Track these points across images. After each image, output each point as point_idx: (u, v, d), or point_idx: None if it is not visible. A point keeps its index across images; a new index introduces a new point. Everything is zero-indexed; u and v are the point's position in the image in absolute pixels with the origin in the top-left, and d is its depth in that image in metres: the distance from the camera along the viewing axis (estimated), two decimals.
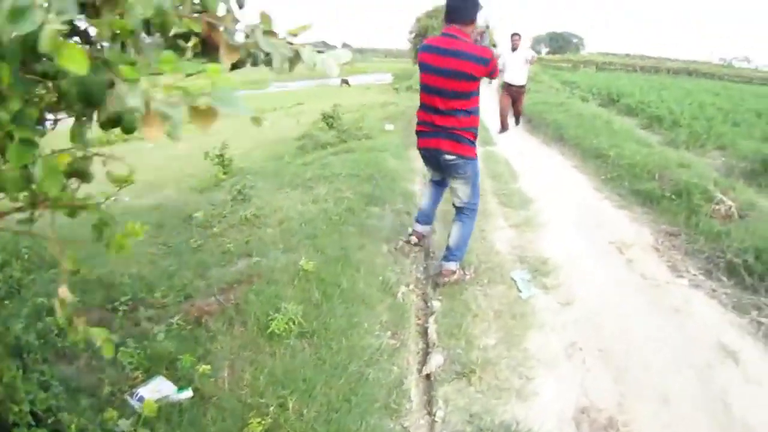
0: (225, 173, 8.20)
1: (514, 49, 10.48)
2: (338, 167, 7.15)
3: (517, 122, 11.73)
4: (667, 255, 4.83)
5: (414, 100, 19.66)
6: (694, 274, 4.44)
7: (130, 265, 4.16)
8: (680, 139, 10.13)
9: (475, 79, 3.65)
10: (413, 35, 57.64)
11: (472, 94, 3.73)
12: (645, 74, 47.66)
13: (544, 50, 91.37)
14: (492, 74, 3.74)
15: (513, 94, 10.75)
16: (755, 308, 3.87)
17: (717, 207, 5.43)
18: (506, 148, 9.58)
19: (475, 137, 3.89)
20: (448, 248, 4.11)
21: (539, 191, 6.68)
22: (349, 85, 42.87)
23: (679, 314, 3.79)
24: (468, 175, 3.93)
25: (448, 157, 3.85)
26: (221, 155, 8.29)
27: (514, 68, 10.36)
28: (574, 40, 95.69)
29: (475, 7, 3.70)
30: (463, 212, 4.10)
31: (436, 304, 3.88)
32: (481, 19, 3.98)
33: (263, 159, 9.98)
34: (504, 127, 11.06)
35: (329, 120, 11.68)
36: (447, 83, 3.64)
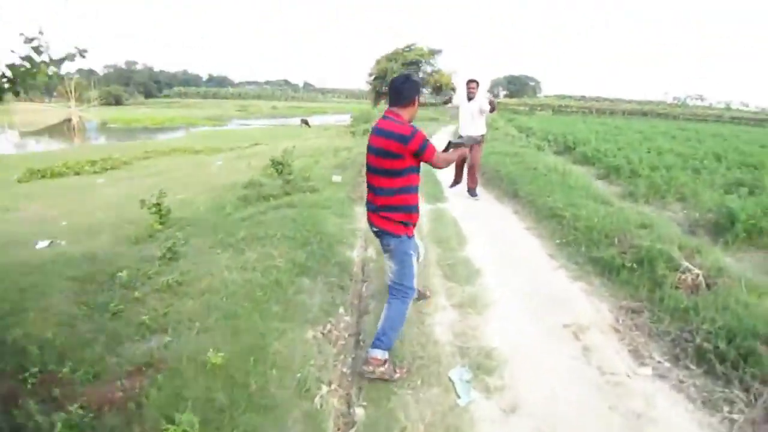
0: (162, 223, 7.70)
1: (470, 98, 9.32)
2: (275, 226, 6.61)
3: (471, 191, 9.82)
4: (629, 337, 4.35)
5: None
6: (659, 361, 3.98)
7: (47, 326, 3.97)
8: (639, 191, 9.71)
9: (398, 157, 3.62)
10: (372, 77, 58.63)
11: (400, 173, 3.68)
12: (600, 116, 48.52)
13: (502, 93, 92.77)
14: (420, 154, 3.64)
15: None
16: (727, 403, 3.43)
17: (683, 276, 4.96)
18: (456, 205, 9.05)
19: (406, 216, 3.81)
20: (376, 333, 3.83)
21: (488, 260, 6.15)
22: (308, 126, 43.40)
23: (641, 420, 3.30)
24: (393, 251, 3.86)
25: (374, 229, 3.90)
26: (158, 204, 7.71)
27: (469, 119, 9.35)
28: (531, 83, 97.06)
29: (412, 90, 3.76)
30: (393, 293, 3.91)
31: (358, 413, 3.37)
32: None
33: (205, 208, 9.40)
34: (456, 180, 10.33)
35: (278, 167, 11.04)
36: (376, 161, 3.73)
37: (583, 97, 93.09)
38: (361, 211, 8.08)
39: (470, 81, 9.46)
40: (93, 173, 18.90)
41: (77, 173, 18.85)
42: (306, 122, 45.13)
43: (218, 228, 7.02)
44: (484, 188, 10.57)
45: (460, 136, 9.11)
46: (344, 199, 8.75)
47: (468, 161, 9.62)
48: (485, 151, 11.49)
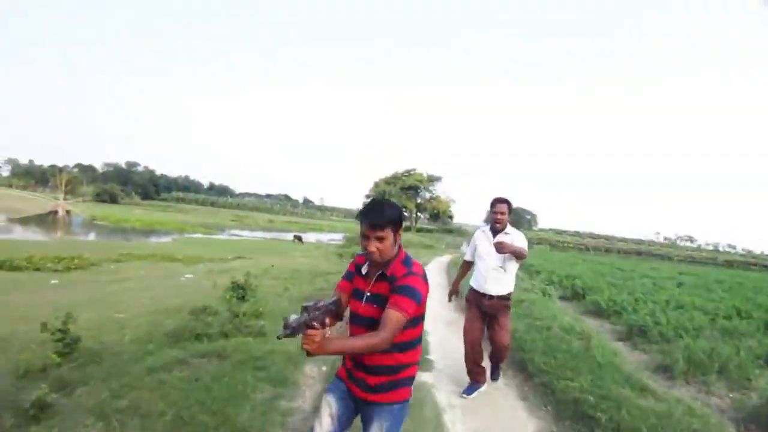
0: (62, 355, 5.63)
1: (496, 230, 5.81)
2: (173, 396, 4.67)
3: (495, 375, 6.52)
4: None
5: None
6: None
7: None
8: (678, 366, 7.53)
9: None
10: (370, 199, 57.10)
11: None
12: (597, 254, 48.17)
13: None
14: None
15: (486, 312, 5.94)
16: None
17: None
18: (444, 386, 6.24)
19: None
20: None
21: None
22: (301, 242, 42.54)
23: None
24: None
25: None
26: (64, 330, 5.70)
27: (493, 265, 5.76)
28: (528, 216, 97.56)
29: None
30: None
31: None
32: None
33: (132, 337, 7.26)
34: (477, 380, 6.04)
35: (239, 292, 9.55)
36: None
37: (577, 233, 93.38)
38: (311, 375, 6.09)
39: (498, 201, 5.80)
40: (54, 271, 17.52)
41: (38, 269, 17.67)
42: (299, 238, 44.46)
43: (118, 376, 5.19)
44: None
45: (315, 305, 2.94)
46: (291, 355, 6.54)
47: (491, 337, 6.04)
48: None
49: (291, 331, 2.28)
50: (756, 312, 13.00)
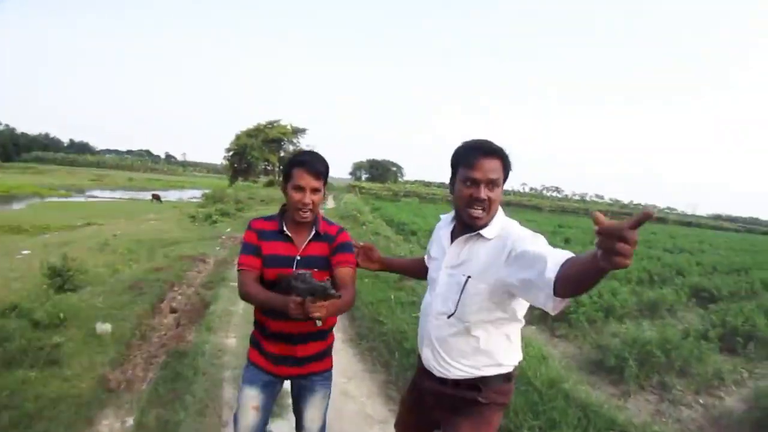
0: None
1: (470, 222, 2.26)
2: None
3: None
4: None
5: (211, 233, 15.21)
6: None
7: None
8: (629, 370, 5.82)
9: None
10: (231, 153, 54.75)
11: None
12: None
13: (364, 177, 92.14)
14: None
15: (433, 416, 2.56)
16: None
17: None
18: None
19: None
20: None
21: None
22: (160, 202, 39.35)
23: None
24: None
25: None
26: None
27: (440, 304, 2.37)
28: (393, 168, 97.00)
29: None
30: None
31: None
32: None
33: None
34: None
35: (56, 280, 7.97)
36: None
37: (443, 184, 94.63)
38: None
39: (483, 153, 2.21)
40: None
41: None
42: (157, 198, 41.33)
43: None
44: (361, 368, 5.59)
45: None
46: (83, 400, 4.21)
47: None
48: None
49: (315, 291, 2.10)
50: (668, 272, 12.71)
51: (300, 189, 2.45)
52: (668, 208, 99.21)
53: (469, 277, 2.26)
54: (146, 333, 5.96)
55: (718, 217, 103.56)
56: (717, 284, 11.07)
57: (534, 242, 2.10)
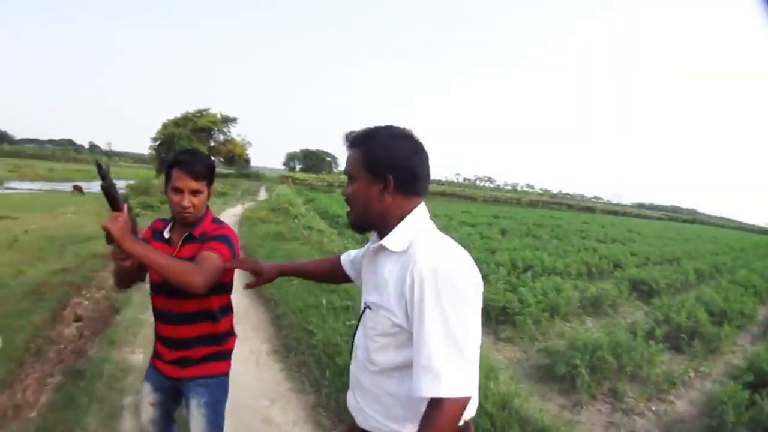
0: None
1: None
2: None
3: None
4: None
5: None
6: None
7: None
8: (581, 379, 5.39)
9: None
10: (157, 143, 53.01)
11: None
12: None
13: (298, 167, 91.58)
14: None
15: None
16: None
17: None
18: None
19: None
20: None
21: None
22: (82, 193, 37.11)
23: None
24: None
25: None
26: None
27: (361, 341, 1.78)
28: (328, 158, 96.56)
29: None
30: None
31: None
32: None
33: None
34: None
35: None
36: None
37: None
38: None
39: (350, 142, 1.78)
40: None
41: None
42: (80, 189, 38.66)
43: None
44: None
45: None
46: None
47: None
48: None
49: (109, 184, 1.82)
50: (605, 264, 12.69)
51: (178, 191, 2.30)
52: (595, 197, 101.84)
53: (367, 307, 1.71)
54: (42, 347, 5.11)
55: (641, 206, 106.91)
56: (655, 277, 10.91)
57: (429, 317, 1.45)
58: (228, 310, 2.57)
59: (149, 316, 6.06)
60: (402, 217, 1.66)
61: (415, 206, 1.68)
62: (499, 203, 56.78)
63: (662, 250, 18.28)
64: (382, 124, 1.73)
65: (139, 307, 6.55)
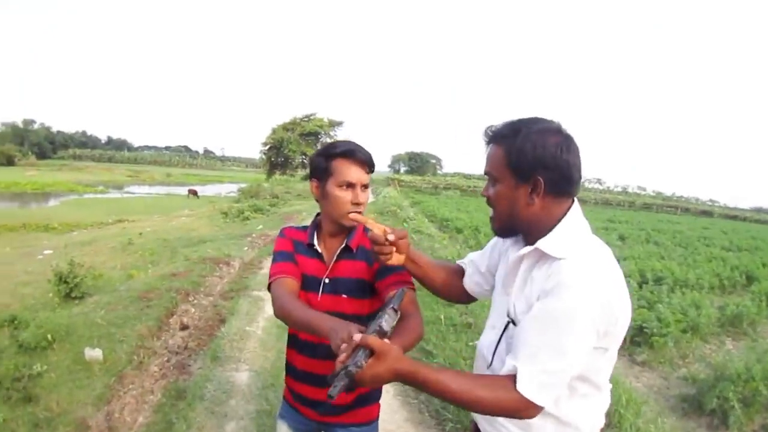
0: None
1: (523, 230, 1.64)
2: None
3: None
4: None
5: (241, 231, 14.45)
6: None
7: None
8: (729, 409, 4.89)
9: None
10: (267, 147, 54.52)
11: None
12: None
13: (403, 169, 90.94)
14: None
15: None
16: None
17: None
18: None
19: None
20: None
21: None
22: (197, 197, 39.16)
23: None
24: None
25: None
26: None
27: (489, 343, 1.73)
28: (433, 161, 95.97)
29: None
30: None
31: None
32: None
33: None
34: None
35: (62, 287, 7.62)
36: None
37: (482, 176, 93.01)
38: None
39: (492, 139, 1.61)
40: None
41: None
42: (194, 193, 41.19)
43: None
44: None
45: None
46: None
47: None
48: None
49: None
50: (737, 275, 11.64)
51: (348, 186, 1.88)
52: (710, 200, 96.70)
53: (511, 321, 1.57)
54: (144, 359, 4.96)
55: (760, 210, 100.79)
56: None
57: (543, 321, 1.40)
58: None
59: (257, 328, 5.89)
60: (554, 221, 1.51)
61: (569, 207, 1.53)
62: (610, 206, 54.72)
63: None
64: (527, 117, 1.53)
65: (246, 318, 6.39)
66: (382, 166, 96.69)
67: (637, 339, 6.53)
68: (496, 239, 1.88)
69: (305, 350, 2.02)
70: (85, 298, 7.18)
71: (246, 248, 11.55)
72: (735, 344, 7.17)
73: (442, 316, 5.88)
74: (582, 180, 1.59)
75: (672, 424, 4.60)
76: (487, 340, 1.70)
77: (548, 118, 1.53)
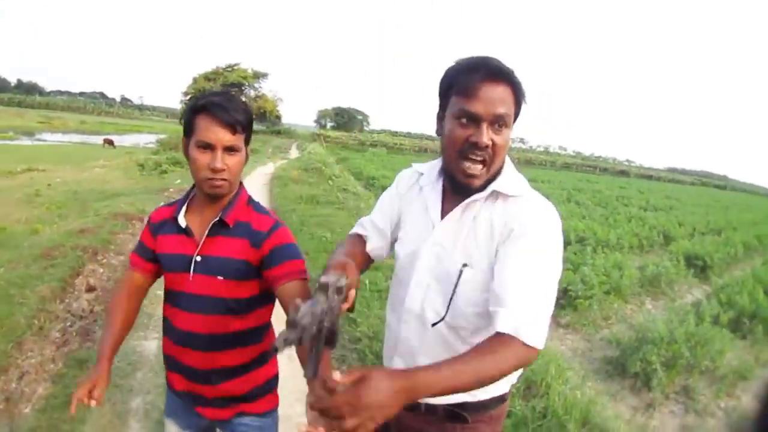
0: None
1: (464, 182, 1.46)
2: None
3: None
4: None
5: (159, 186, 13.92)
6: None
7: None
8: (656, 376, 4.97)
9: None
10: (188, 97, 53.08)
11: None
12: (437, 156, 50.22)
13: (330, 125, 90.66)
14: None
15: None
16: None
17: None
18: None
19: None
20: None
21: None
22: (113, 146, 37.31)
23: None
24: None
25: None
26: None
27: (432, 301, 1.56)
28: (360, 117, 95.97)
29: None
30: None
31: None
32: None
33: None
34: None
35: None
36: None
37: (408, 134, 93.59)
38: None
39: (489, 77, 1.39)
40: None
41: None
42: (111, 143, 38.82)
43: None
44: None
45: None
46: None
47: None
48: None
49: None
50: (655, 235, 12.05)
51: (207, 147, 1.60)
52: (627, 160, 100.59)
53: (465, 265, 1.46)
54: (45, 324, 4.55)
55: (673, 170, 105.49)
56: (709, 251, 10.22)
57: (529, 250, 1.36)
58: (267, 327, 1.91)
59: None
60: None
61: None
62: (533, 165, 56.07)
63: (705, 219, 17.68)
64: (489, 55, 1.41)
65: (158, 281, 5.99)
66: (308, 121, 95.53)
67: (561, 301, 6.56)
68: (390, 192, 1.80)
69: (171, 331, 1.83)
70: None
71: (162, 203, 11.08)
72: (654, 304, 7.40)
73: (367, 281, 5.68)
74: None
75: (596, 387, 4.65)
76: (418, 297, 1.55)
77: None
